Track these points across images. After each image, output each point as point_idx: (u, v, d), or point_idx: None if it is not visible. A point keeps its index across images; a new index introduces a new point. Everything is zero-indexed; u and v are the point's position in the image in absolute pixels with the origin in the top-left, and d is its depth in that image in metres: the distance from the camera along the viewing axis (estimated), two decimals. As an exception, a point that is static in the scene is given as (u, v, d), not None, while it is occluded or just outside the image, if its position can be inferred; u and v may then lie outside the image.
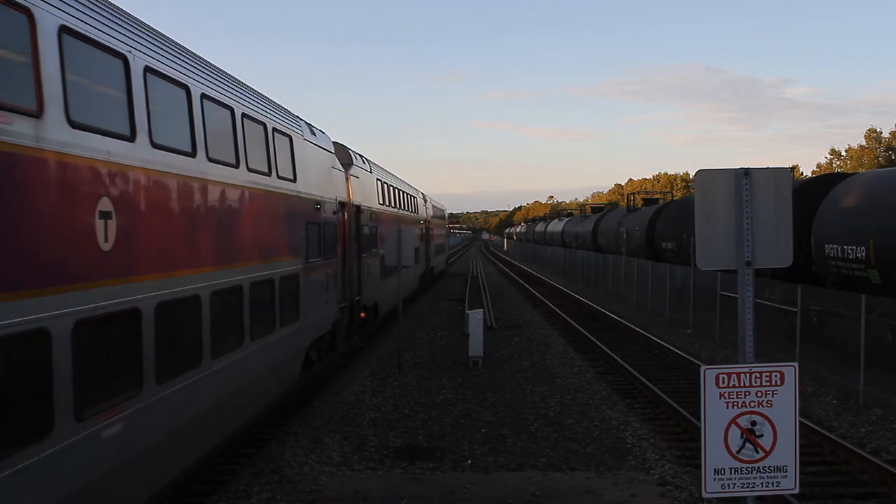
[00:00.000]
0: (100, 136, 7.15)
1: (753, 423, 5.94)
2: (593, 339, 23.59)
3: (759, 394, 5.95)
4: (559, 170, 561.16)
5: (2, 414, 5.76)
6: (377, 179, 24.73)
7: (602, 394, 16.43)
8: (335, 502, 10.15)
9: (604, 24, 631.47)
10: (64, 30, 6.71)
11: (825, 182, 21.86)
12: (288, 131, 13.74)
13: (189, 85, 9.37)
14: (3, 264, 5.80)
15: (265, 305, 11.70)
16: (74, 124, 6.70)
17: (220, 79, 10.85)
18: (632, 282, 34.75)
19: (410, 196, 35.01)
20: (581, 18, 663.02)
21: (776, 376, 5.97)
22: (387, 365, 19.67)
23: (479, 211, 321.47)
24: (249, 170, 11.22)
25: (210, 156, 9.68)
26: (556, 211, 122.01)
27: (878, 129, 78.12)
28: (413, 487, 10.61)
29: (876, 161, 74.64)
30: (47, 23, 6.46)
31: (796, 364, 6.06)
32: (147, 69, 8.23)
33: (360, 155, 22.46)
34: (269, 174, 12.18)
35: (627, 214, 45.16)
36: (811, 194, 20.70)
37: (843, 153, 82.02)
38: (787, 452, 5.97)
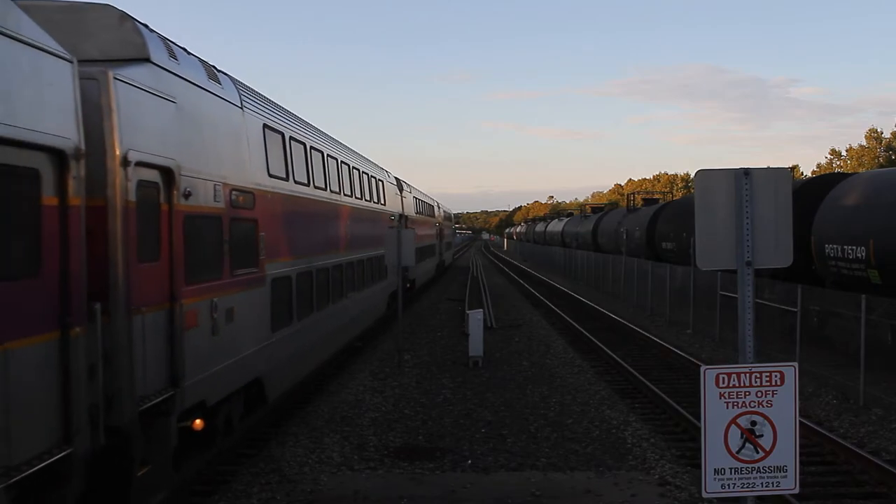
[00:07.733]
0: (380, 206, 24.12)
1: (753, 423, 5.94)
2: (593, 339, 23.60)
3: (759, 394, 5.94)
4: (560, 170, 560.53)
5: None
6: (414, 196, 36.74)
7: (602, 394, 16.43)
8: (335, 502, 10.15)
9: (609, 25, 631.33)
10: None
11: (825, 182, 21.85)
12: (381, 177, 25.88)
13: (375, 175, 22.66)
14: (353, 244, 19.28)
15: (377, 268, 22.66)
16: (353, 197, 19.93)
17: (371, 162, 25.04)
18: (632, 282, 34.74)
19: (430, 205, 46.26)
20: (587, 19, 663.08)
21: (776, 376, 5.96)
22: (387, 365, 19.69)
23: (479, 211, 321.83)
24: (373, 203, 23.30)
25: (365, 199, 21.63)
26: (556, 211, 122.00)
27: (878, 130, 78.22)
28: (413, 487, 10.61)
29: (876, 161, 74.69)
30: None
31: (796, 364, 6.05)
32: (385, 180, 23.44)
33: (405, 182, 34.41)
34: (376, 203, 24.05)
35: (627, 214, 45.17)
36: (811, 194, 20.69)
37: (844, 153, 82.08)
38: (787, 452, 5.97)
